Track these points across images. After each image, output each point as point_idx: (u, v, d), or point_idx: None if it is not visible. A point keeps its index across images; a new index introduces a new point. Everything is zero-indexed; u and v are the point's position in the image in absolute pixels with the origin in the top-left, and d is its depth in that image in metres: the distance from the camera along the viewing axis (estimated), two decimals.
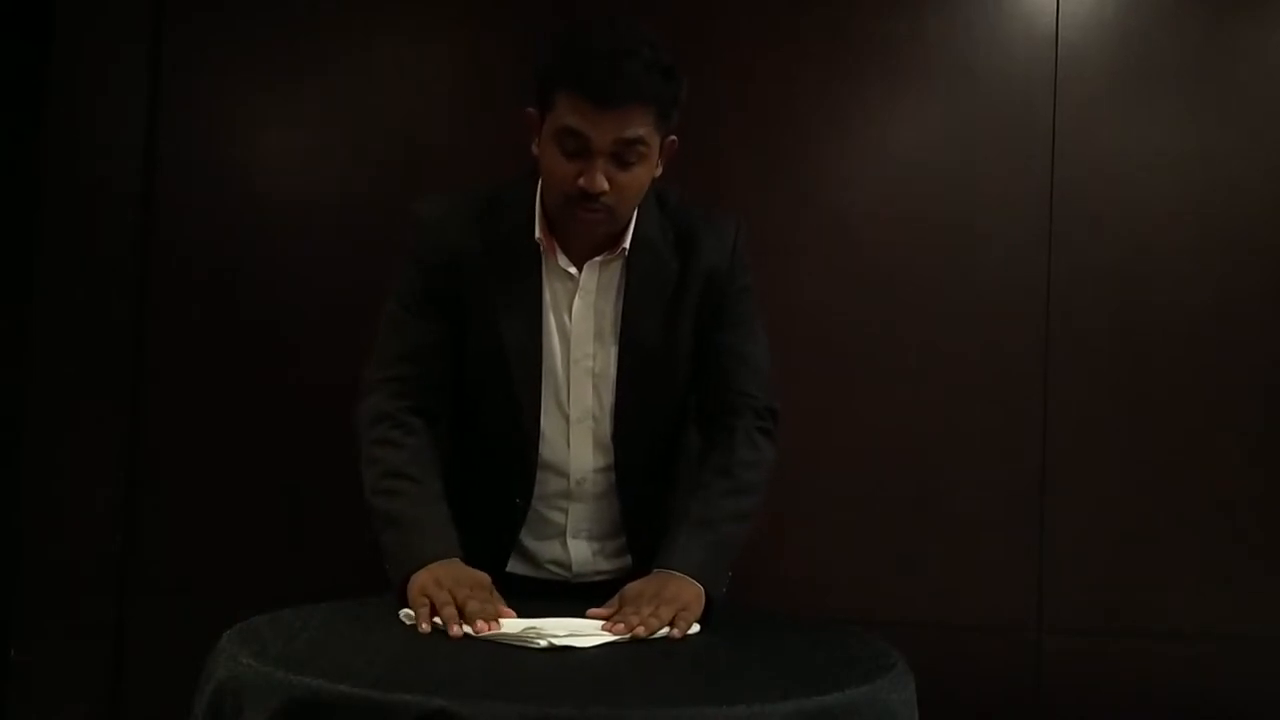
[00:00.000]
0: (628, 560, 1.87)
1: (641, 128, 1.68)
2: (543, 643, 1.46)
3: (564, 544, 1.89)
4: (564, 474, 1.86)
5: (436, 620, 1.55)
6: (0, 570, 2.66)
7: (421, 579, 1.61)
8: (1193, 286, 2.62)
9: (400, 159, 2.67)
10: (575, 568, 1.89)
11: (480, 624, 1.51)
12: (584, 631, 1.53)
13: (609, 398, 1.85)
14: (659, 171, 1.77)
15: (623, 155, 1.69)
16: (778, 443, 1.92)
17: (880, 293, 2.66)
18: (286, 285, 2.68)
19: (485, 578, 1.63)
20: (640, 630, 1.55)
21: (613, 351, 1.84)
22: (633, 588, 1.68)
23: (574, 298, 1.82)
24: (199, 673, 1.41)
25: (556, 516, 1.88)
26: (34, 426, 2.67)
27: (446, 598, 1.56)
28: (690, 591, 1.67)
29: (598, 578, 1.88)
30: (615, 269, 1.83)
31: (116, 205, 2.69)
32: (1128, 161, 2.64)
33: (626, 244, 1.81)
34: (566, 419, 1.84)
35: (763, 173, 2.62)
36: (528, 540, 1.88)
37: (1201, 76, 2.64)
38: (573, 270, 1.82)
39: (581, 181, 1.68)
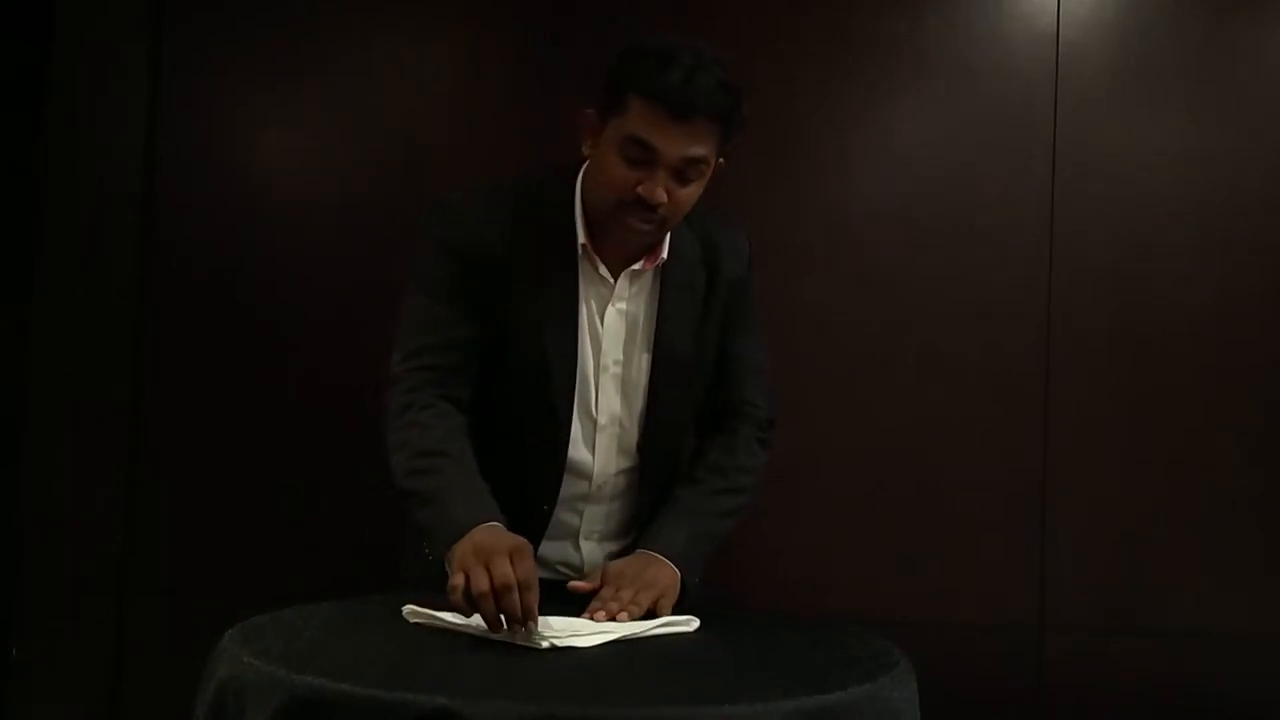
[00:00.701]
0: None
1: (707, 146, 1.70)
2: (545, 643, 1.46)
3: (576, 545, 1.89)
4: (586, 477, 1.86)
5: (444, 618, 1.55)
6: (0, 570, 2.66)
7: (461, 548, 1.55)
8: (1193, 286, 2.63)
9: (400, 159, 2.67)
10: (586, 568, 1.88)
11: (508, 627, 1.47)
12: (585, 631, 1.54)
13: (638, 404, 1.86)
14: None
15: (684, 171, 1.70)
16: (771, 453, 1.97)
17: (880, 292, 2.66)
18: (286, 285, 2.68)
19: (524, 543, 1.56)
20: (622, 616, 1.60)
21: (645, 359, 1.85)
22: (614, 567, 1.72)
23: (607, 304, 1.83)
24: (199, 673, 1.41)
25: (572, 519, 1.88)
26: (34, 426, 2.67)
27: (483, 578, 1.47)
28: (669, 576, 1.72)
29: None
30: (648, 278, 1.85)
31: (116, 205, 2.69)
32: (1128, 161, 2.64)
33: (664, 254, 1.83)
34: (594, 424, 1.85)
35: (763, 172, 2.62)
36: (540, 542, 1.86)
37: (1202, 76, 2.64)
38: (609, 277, 1.82)
39: (641, 190, 1.68)
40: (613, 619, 1.60)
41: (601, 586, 1.69)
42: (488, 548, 1.52)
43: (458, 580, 1.49)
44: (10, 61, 2.74)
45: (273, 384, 2.67)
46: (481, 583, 1.47)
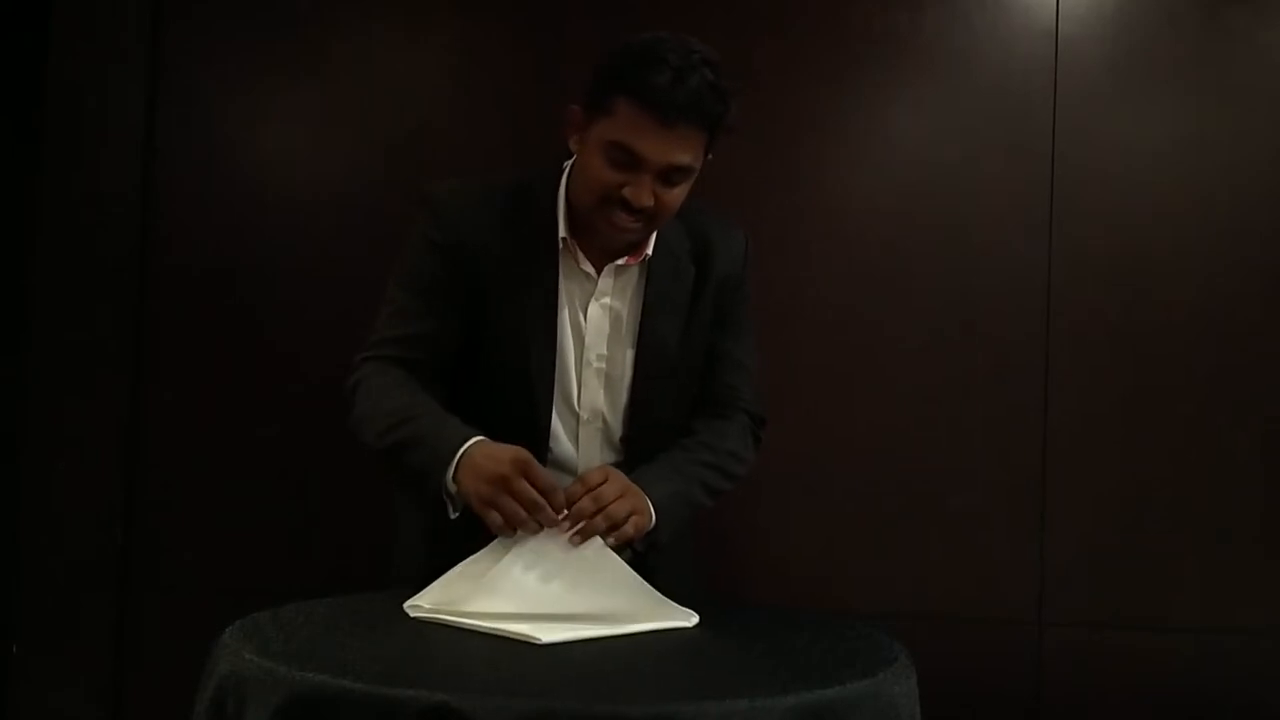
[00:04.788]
0: (627, 554, 1.87)
1: (692, 153, 1.70)
2: (543, 639, 1.46)
3: None
4: (572, 471, 1.85)
5: (445, 614, 1.55)
6: (1, 567, 2.66)
7: (465, 480, 1.61)
8: (1193, 279, 2.62)
9: (400, 156, 2.67)
10: None
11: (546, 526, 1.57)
12: (579, 610, 1.55)
13: (622, 399, 1.86)
14: None
15: (669, 175, 1.70)
16: (760, 453, 1.98)
17: (880, 286, 2.66)
18: (286, 282, 2.68)
19: (523, 452, 1.62)
20: (597, 521, 1.62)
21: (629, 355, 1.85)
22: (601, 470, 1.71)
23: (590, 299, 1.83)
24: (200, 669, 1.41)
25: None
26: (34, 423, 2.67)
27: (514, 507, 1.56)
28: (647, 507, 1.71)
29: None
30: (633, 273, 1.85)
31: (116, 204, 2.68)
32: (1127, 154, 2.63)
33: (650, 250, 1.83)
34: (576, 419, 1.85)
35: (761, 167, 2.62)
36: None
37: (1200, 70, 2.63)
38: (592, 272, 1.82)
39: (626, 193, 1.69)
40: (576, 523, 1.62)
41: (590, 472, 1.70)
42: (492, 471, 1.59)
43: (493, 518, 1.58)
44: (9, 60, 2.74)
45: (272, 381, 2.67)
46: (517, 511, 1.56)
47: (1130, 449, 2.62)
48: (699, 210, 1.87)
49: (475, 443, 1.64)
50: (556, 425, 1.84)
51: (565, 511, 1.60)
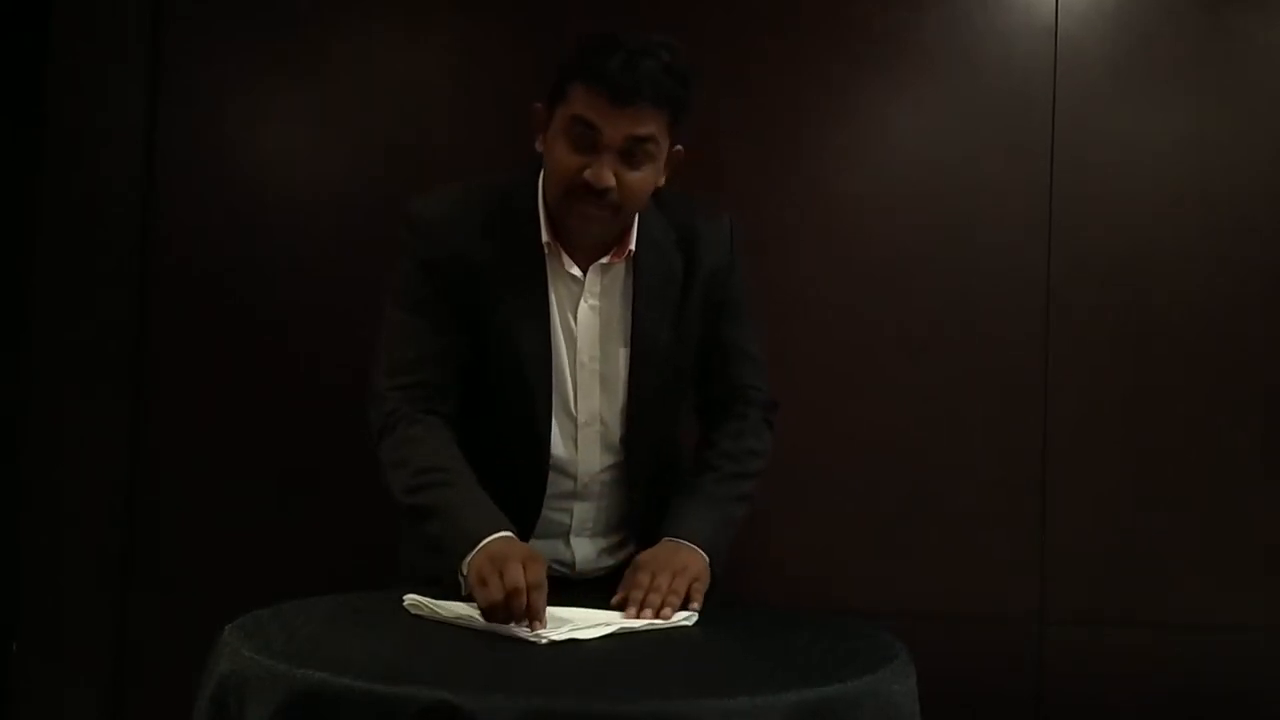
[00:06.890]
0: (630, 553, 1.87)
1: (651, 127, 1.69)
2: (544, 638, 1.46)
3: (567, 543, 1.89)
4: (571, 475, 1.85)
5: (444, 611, 1.55)
6: (2, 566, 2.66)
7: (477, 561, 1.56)
8: (1193, 276, 2.62)
9: (401, 156, 2.67)
10: (579, 565, 1.89)
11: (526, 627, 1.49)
12: (595, 621, 1.54)
13: (619, 399, 1.85)
14: (662, 180, 1.77)
15: (632, 153, 1.69)
16: (774, 437, 1.98)
17: (879, 284, 2.66)
18: (286, 281, 2.68)
19: (537, 553, 1.59)
20: (665, 612, 1.61)
21: (623, 354, 1.84)
22: (645, 556, 1.72)
23: (579, 300, 1.82)
24: (200, 669, 1.41)
25: (561, 517, 1.88)
26: (35, 423, 2.67)
27: (497, 588, 1.49)
28: (700, 562, 1.73)
29: (600, 572, 1.89)
30: (620, 271, 1.83)
31: (116, 204, 2.68)
32: (1127, 151, 2.64)
33: (632, 245, 1.81)
34: (574, 422, 1.84)
35: (761, 163, 2.62)
36: (530, 541, 1.87)
37: (1201, 66, 2.64)
38: (578, 273, 1.81)
39: (588, 174, 1.68)
40: (657, 615, 1.61)
41: (636, 574, 1.69)
42: (500, 559, 1.53)
43: (480, 595, 1.52)
44: (8, 57, 2.73)
45: (273, 380, 2.67)
46: (495, 593, 1.49)
47: (1130, 449, 2.62)
48: (680, 199, 1.87)
49: (498, 538, 1.61)
50: (555, 430, 1.83)
51: (540, 615, 1.52)
